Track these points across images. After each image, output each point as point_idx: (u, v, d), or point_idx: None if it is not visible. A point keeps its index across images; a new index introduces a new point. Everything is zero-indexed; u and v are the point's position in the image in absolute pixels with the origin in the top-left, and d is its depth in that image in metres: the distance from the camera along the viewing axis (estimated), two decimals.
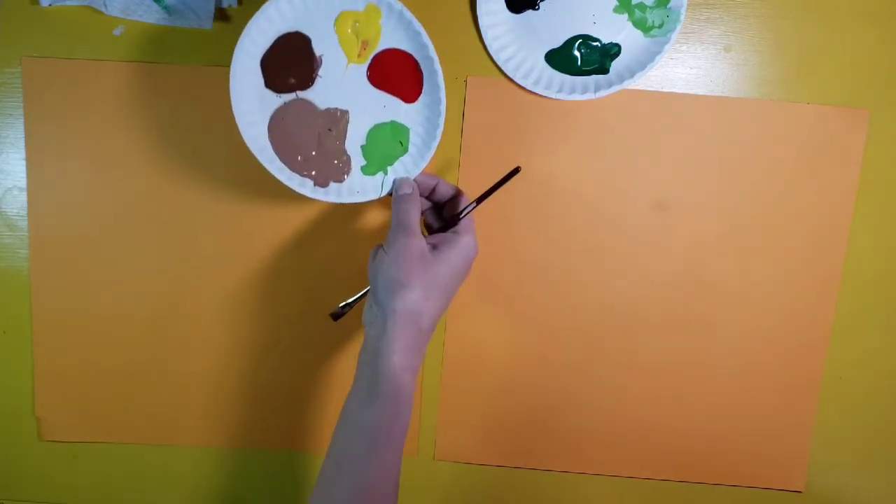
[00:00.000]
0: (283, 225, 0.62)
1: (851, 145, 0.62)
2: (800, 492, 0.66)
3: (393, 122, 0.56)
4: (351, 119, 0.55)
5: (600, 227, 0.63)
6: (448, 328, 0.64)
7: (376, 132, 0.56)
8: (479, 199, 0.54)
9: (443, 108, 0.55)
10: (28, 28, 0.59)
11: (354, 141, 0.56)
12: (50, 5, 0.58)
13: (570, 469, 0.66)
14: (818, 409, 0.65)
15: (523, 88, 0.60)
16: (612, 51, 0.59)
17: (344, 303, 0.56)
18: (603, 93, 0.59)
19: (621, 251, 0.63)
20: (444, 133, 0.61)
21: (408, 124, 0.56)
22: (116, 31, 0.60)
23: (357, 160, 0.56)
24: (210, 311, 0.64)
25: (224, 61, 0.60)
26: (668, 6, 0.58)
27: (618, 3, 0.58)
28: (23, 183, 0.62)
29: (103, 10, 0.58)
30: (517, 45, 0.60)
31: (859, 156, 0.62)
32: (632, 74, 0.59)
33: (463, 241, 0.52)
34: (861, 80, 0.61)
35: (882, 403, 0.65)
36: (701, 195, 0.62)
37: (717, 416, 0.65)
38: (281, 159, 0.55)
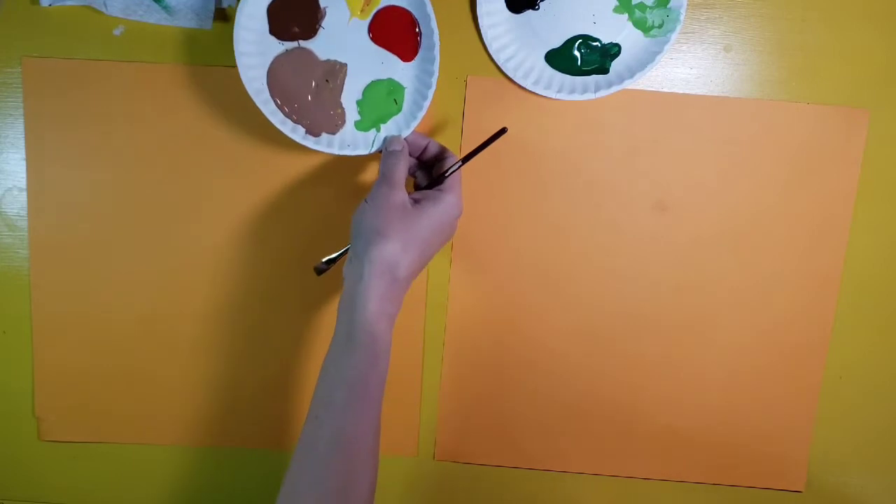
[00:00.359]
0: (284, 224, 0.63)
1: (851, 145, 0.62)
2: (800, 492, 0.66)
3: (390, 80, 0.57)
4: (349, 73, 0.57)
5: (600, 227, 0.63)
6: (448, 328, 0.64)
7: (372, 88, 0.57)
8: (465, 159, 0.55)
9: (436, 67, 0.55)
10: (28, 28, 0.59)
11: (350, 95, 0.57)
12: (50, 5, 0.58)
13: (570, 469, 0.66)
14: (818, 409, 0.65)
15: (523, 88, 0.60)
16: (612, 51, 0.59)
17: (328, 258, 0.56)
18: (603, 93, 0.59)
19: (621, 251, 0.63)
20: (443, 133, 0.61)
21: (404, 83, 0.57)
22: (116, 31, 0.60)
23: (351, 115, 0.57)
24: (211, 312, 0.64)
25: (224, 61, 0.60)
26: (668, 6, 0.58)
27: (618, 3, 0.58)
28: (23, 183, 0.62)
29: (103, 10, 0.58)
30: (517, 45, 0.60)
31: (859, 156, 0.62)
32: (632, 74, 0.59)
33: (446, 198, 0.53)
34: (861, 80, 0.61)
35: (882, 403, 0.65)
36: (701, 195, 0.62)
37: (717, 416, 0.65)
38: (276, 104, 0.56)
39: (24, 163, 0.61)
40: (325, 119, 0.57)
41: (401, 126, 0.57)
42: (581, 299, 0.64)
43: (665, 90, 0.61)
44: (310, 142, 0.57)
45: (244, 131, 0.61)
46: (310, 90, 0.56)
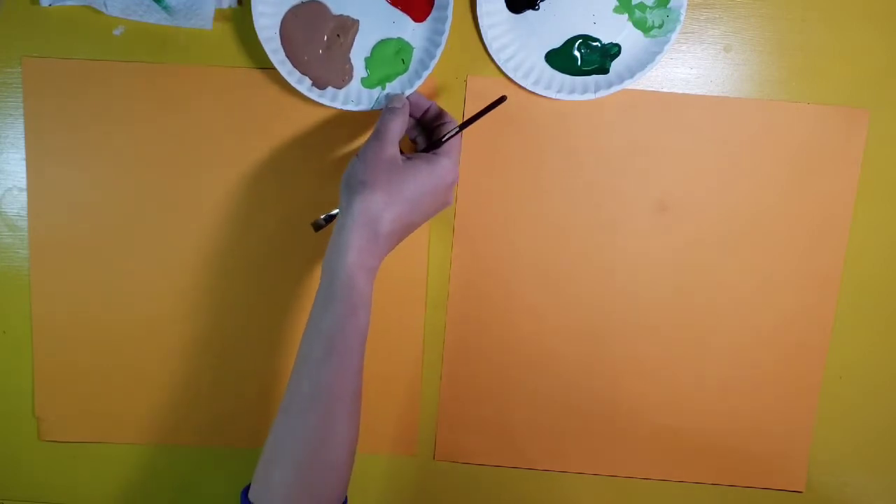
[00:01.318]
0: (286, 225, 0.62)
1: (851, 145, 0.62)
2: (800, 492, 0.66)
3: (399, 40, 0.58)
4: (360, 30, 0.57)
5: (600, 227, 0.63)
6: (448, 329, 0.64)
7: (382, 47, 0.58)
8: (463, 125, 0.55)
9: (447, 27, 0.56)
10: (28, 28, 0.59)
11: (359, 52, 0.58)
12: (50, 5, 0.58)
13: (569, 469, 0.66)
14: (818, 409, 0.65)
15: (523, 88, 0.60)
16: (612, 51, 0.59)
17: (326, 214, 0.55)
18: (603, 93, 0.59)
19: (621, 251, 0.63)
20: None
21: (413, 43, 0.58)
22: (116, 31, 0.60)
23: (359, 71, 0.58)
24: (211, 312, 0.64)
25: (224, 61, 0.60)
26: (668, 6, 0.58)
27: (618, 3, 0.58)
28: (23, 183, 0.62)
29: (103, 10, 0.58)
30: (517, 45, 0.60)
31: (859, 156, 0.62)
32: (632, 74, 0.59)
33: (440, 161, 0.52)
34: (861, 80, 0.61)
35: (882, 403, 0.65)
36: (701, 195, 0.62)
37: (716, 416, 0.65)
38: (286, 54, 0.57)
39: (24, 163, 0.61)
40: (332, 73, 0.58)
41: (405, 87, 0.58)
42: (581, 299, 0.64)
43: (665, 90, 0.61)
44: (314, 94, 0.57)
45: (244, 131, 0.61)
46: (321, 44, 0.57)
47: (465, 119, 0.56)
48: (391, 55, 0.58)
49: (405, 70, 0.58)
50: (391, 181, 0.50)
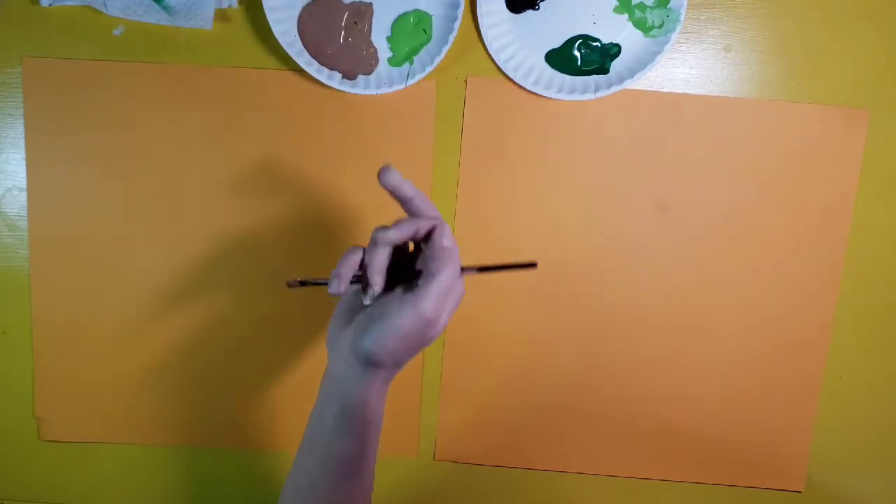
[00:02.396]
0: (287, 225, 0.62)
1: (851, 145, 0.62)
2: (800, 492, 0.66)
3: (416, 11, 0.58)
4: (375, 11, 0.58)
5: (600, 227, 0.63)
6: (448, 329, 0.64)
7: (400, 22, 0.58)
8: (482, 269, 0.48)
9: None
10: (28, 28, 0.59)
11: (380, 33, 0.58)
12: (50, 5, 0.58)
13: (569, 469, 0.66)
14: (818, 409, 0.65)
15: (523, 88, 0.60)
16: (612, 51, 0.59)
17: (305, 279, 0.49)
18: (603, 93, 0.59)
19: (621, 251, 0.63)
20: (443, 133, 0.61)
21: (430, 11, 0.58)
22: (116, 31, 0.60)
23: (383, 52, 0.59)
24: (211, 311, 0.64)
25: (224, 61, 0.60)
26: (668, 6, 0.58)
27: (618, 3, 0.58)
28: (23, 183, 0.62)
29: (103, 10, 0.58)
30: (517, 45, 0.60)
31: (859, 156, 0.62)
32: (632, 74, 0.59)
33: (421, 303, 0.45)
34: (861, 80, 0.61)
35: (882, 403, 0.65)
36: (701, 195, 0.62)
37: (717, 416, 0.65)
38: (310, 53, 0.58)
39: (24, 163, 0.61)
40: (358, 61, 0.58)
41: (434, 54, 0.58)
42: (581, 299, 0.64)
43: (665, 90, 0.61)
44: (347, 86, 0.58)
45: (244, 131, 0.61)
46: (340, 34, 0.58)
47: (487, 266, 0.48)
48: (411, 28, 0.58)
49: (429, 39, 0.58)
50: (397, 352, 0.45)
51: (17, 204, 0.62)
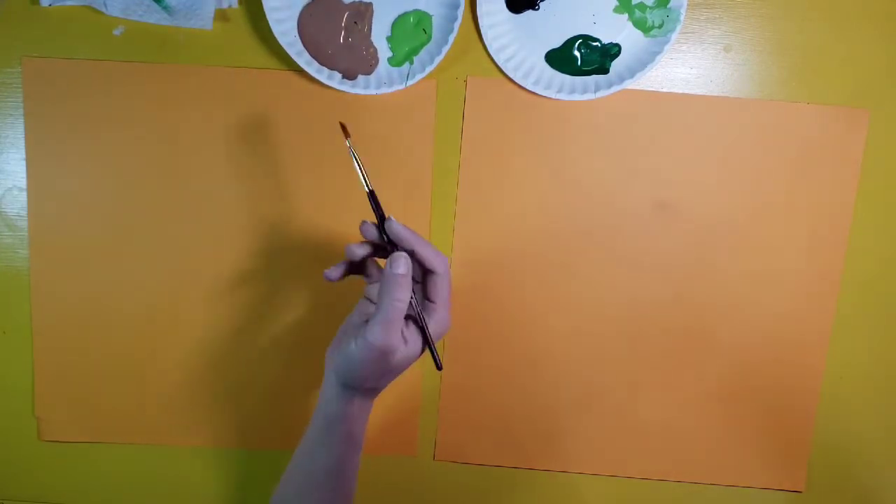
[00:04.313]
0: (287, 227, 0.62)
1: (851, 145, 0.62)
2: (800, 492, 0.66)
3: (416, 11, 0.58)
4: (375, 11, 0.58)
5: (600, 227, 0.63)
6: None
7: (400, 22, 0.58)
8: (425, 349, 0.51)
9: None
10: (28, 28, 0.59)
11: (380, 33, 0.58)
12: (50, 5, 0.58)
13: (570, 469, 0.66)
14: (818, 409, 0.65)
15: (523, 88, 0.60)
16: (612, 51, 0.59)
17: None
18: (603, 93, 0.59)
19: (621, 251, 0.63)
20: (443, 133, 0.61)
21: (430, 11, 0.58)
22: (116, 31, 0.60)
23: (383, 52, 0.59)
24: (211, 311, 0.64)
25: (224, 61, 0.60)
26: (668, 6, 0.58)
27: (618, 3, 0.58)
28: (23, 183, 0.62)
29: (103, 10, 0.58)
30: (517, 45, 0.60)
31: (859, 156, 0.62)
32: (632, 74, 0.59)
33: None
34: (861, 80, 0.61)
35: (882, 403, 0.65)
36: (701, 195, 0.62)
37: (716, 416, 0.65)
38: (310, 53, 0.58)
39: (24, 163, 0.61)
40: (358, 61, 0.58)
41: (434, 55, 0.58)
42: (581, 299, 0.64)
43: (665, 90, 0.61)
44: (347, 86, 0.58)
45: (244, 131, 0.61)
46: (340, 34, 0.58)
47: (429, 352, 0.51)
48: (411, 28, 0.58)
49: (429, 39, 0.58)
50: (365, 377, 0.49)
51: (17, 204, 0.62)
